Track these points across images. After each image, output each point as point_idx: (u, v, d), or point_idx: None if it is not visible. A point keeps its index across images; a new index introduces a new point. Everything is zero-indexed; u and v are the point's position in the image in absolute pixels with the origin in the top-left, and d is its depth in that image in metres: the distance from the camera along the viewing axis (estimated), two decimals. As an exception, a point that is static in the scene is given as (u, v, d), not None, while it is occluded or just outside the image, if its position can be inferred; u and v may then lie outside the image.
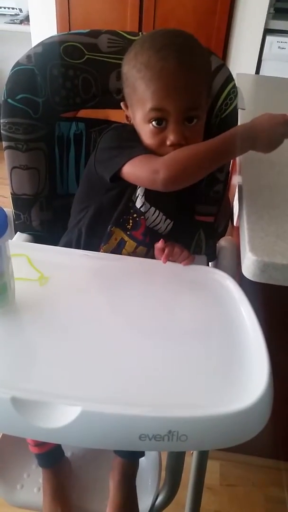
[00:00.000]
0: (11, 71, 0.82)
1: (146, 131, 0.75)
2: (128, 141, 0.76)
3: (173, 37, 0.74)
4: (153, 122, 0.73)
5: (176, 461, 0.82)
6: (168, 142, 0.73)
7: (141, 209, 0.81)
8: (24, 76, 0.82)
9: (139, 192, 0.80)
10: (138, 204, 0.81)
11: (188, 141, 0.74)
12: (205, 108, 0.76)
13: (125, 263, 0.79)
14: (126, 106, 0.80)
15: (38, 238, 0.92)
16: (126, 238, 0.83)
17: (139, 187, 0.80)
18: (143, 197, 0.80)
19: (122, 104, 0.81)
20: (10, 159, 0.86)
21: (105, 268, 0.77)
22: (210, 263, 0.93)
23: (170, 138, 0.73)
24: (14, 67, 0.82)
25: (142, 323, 0.66)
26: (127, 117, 0.81)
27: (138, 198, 0.81)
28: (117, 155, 0.75)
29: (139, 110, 0.75)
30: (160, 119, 0.73)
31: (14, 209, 0.91)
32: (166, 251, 0.78)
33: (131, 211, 0.81)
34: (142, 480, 0.92)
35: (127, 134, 0.78)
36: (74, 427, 0.50)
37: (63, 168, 0.94)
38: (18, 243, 0.87)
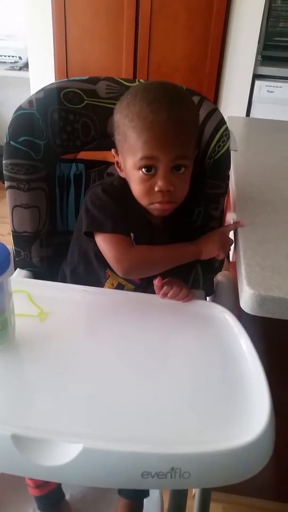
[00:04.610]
0: (13, 115, 0.86)
1: (135, 177, 0.77)
2: (106, 209, 0.78)
3: (165, 91, 0.76)
4: (143, 169, 0.75)
5: (178, 503, 0.79)
6: (156, 188, 0.75)
7: None
8: (26, 119, 0.85)
9: (131, 236, 0.80)
10: None
11: (176, 187, 0.76)
12: (192, 157, 0.79)
13: (124, 298, 0.80)
14: (117, 153, 0.81)
15: (38, 274, 0.94)
16: (123, 282, 0.84)
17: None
18: (133, 241, 0.80)
19: (112, 151, 0.81)
20: (12, 198, 0.88)
21: (104, 303, 0.78)
22: (207, 298, 0.94)
23: (159, 184, 0.75)
24: (16, 111, 0.86)
25: (142, 359, 0.66)
26: (117, 163, 0.81)
27: None
28: (93, 217, 0.78)
29: (129, 157, 0.76)
30: (150, 167, 0.74)
31: (14, 246, 0.93)
32: (163, 289, 0.78)
33: None
34: (143, 524, 0.89)
35: (109, 199, 0.79)
36: (76, 465, 0.49)
37: (63, 206, 0.96)
38: (18, 280, 0.88)
